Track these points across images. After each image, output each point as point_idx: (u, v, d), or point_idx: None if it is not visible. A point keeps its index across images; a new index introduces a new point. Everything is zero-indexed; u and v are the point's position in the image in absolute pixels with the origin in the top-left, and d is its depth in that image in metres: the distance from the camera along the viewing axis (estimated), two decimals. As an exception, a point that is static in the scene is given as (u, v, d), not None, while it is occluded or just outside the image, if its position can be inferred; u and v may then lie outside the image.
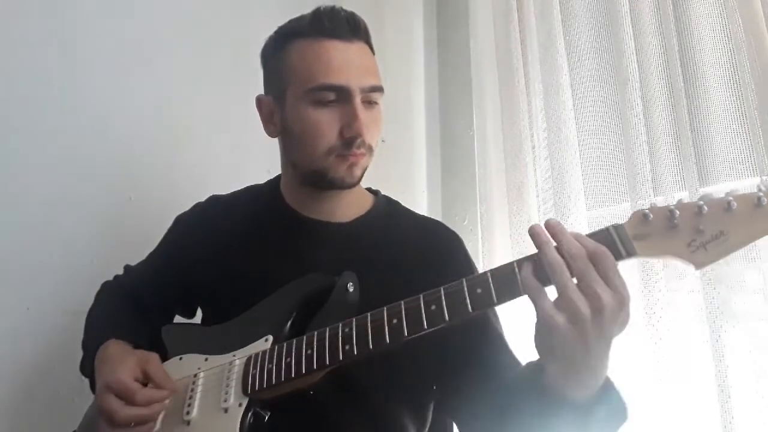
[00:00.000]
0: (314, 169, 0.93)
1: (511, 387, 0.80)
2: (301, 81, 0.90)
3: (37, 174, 1.28)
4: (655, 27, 1.30)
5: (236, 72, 1.52)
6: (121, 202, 1.38)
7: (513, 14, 1.61)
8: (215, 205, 1.09)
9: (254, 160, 1.47)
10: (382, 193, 1.08)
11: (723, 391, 1.08)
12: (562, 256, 0.65)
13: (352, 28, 0.92)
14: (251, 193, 1.10)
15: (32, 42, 1.29)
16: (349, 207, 1.00)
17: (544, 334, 0.65)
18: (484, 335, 0.92)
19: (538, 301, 0.65)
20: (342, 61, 0.89)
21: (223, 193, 1.12)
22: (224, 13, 1.60)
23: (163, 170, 1.45)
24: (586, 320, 0.62)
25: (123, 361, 0.88)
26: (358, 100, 0.89)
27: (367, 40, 0.95)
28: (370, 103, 0.92)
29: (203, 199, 1.12)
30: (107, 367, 0.89)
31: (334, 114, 0.90)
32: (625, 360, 1.18)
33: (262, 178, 1.12)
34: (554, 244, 0.67)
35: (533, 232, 0.68)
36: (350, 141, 0.89)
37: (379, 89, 0.93)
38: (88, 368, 0.97)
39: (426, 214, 1.49)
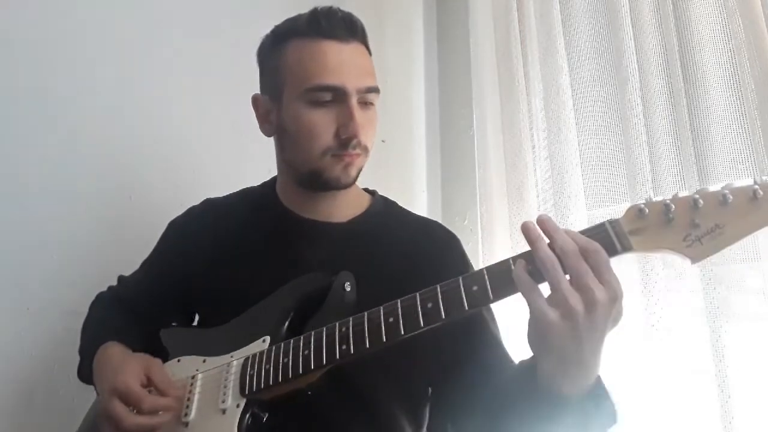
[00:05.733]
0: (310, 169, 0.93)
1: (504, 388, 0.80)
2: (298, 81, 0.90)
3: (38, 174, 1.28)
4: (655, 27, 1.30)
5: (237, 71, 1.51)
6: (121, 202, 1.38)
7: (513, 14, 1.61)
8: (210, 208, 1.09)
9: (255, 159, 1.46)
10: (381, 193, 1.08)
11: (723, 391, 1.08)
12: (555, 253, 0.65)
13: (348, 29, 0.92)
14: (246, 195, 1.10)
15: (33, 42, 1.30)
16: (345, 207, 1.00)
17: (537, 329, 0.65)
18: (479, 337, 0.92)
19: (531, 297, 0.65)
20: (338, 62, 0.89)
21: (218, 196, 1.11)
22: (225, 13, 1.60)
23: (163, 170, 1.45)
24: (578, 316, 0.62)
25: (127, 364, 0.88)
26: (354, 100, 0.90)
27: (364, 41, 0.95)
28: (365, 104, 0.92)
29: (204, 198, 1.12)
30: (109, 370, 0.89)
31: (330, 114, 0.90)
32: (625, 360, 1.19)
33: (262, 178, 1.12)
34: (547, 240, 0.66)
35: (525, 228, 0.67)
36: (346, 142, 0.90)
37: (374, 90, 0.93)
38: (85, 373, 0.97)
39: (426, 214, 1.49)
